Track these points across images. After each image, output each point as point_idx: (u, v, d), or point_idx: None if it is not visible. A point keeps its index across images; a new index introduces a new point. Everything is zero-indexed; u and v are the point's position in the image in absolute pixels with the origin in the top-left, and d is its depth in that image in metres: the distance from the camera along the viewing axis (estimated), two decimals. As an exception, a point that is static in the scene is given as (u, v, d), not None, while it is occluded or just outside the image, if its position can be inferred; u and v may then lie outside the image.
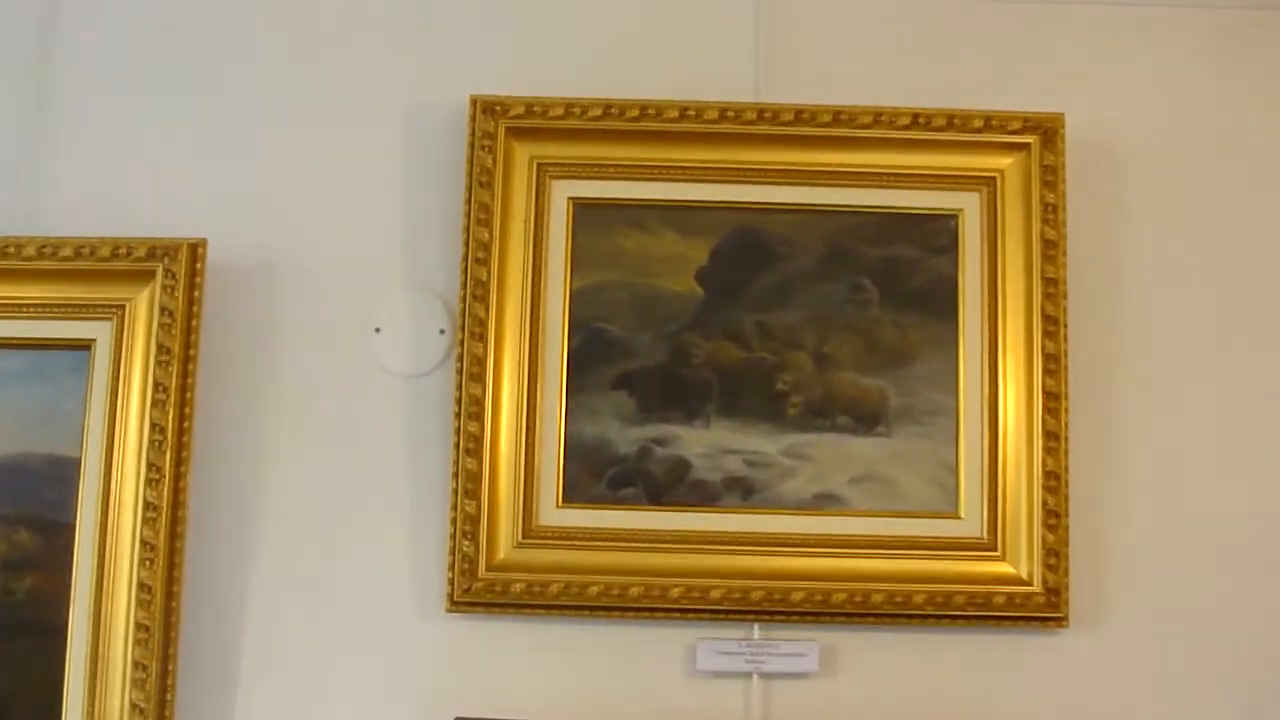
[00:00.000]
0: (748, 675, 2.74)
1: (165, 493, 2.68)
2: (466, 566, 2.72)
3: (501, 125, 2.82)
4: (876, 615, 2.73)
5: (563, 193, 2.83)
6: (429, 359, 2.83)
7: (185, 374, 2.73)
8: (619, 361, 2.80)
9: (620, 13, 2.92)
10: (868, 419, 2.79)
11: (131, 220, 2.82)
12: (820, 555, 2.75)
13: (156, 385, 2.71)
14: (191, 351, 2.74)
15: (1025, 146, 2.82)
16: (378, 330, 2.84)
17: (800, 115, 2.83)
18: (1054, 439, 2.75)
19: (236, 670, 2.74)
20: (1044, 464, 2.75)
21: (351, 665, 2.75)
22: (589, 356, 2.80)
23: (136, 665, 2.64)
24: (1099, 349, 2.83)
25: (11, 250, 2.76)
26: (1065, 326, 2.78)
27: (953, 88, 2.87)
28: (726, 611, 2.73)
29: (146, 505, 2.68)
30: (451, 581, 2.72)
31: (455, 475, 2.74)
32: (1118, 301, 2.85)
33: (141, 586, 2.66)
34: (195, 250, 2.76)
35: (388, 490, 2.79)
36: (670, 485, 2.77)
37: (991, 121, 2.83)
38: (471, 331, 2.77)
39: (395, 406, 2.82)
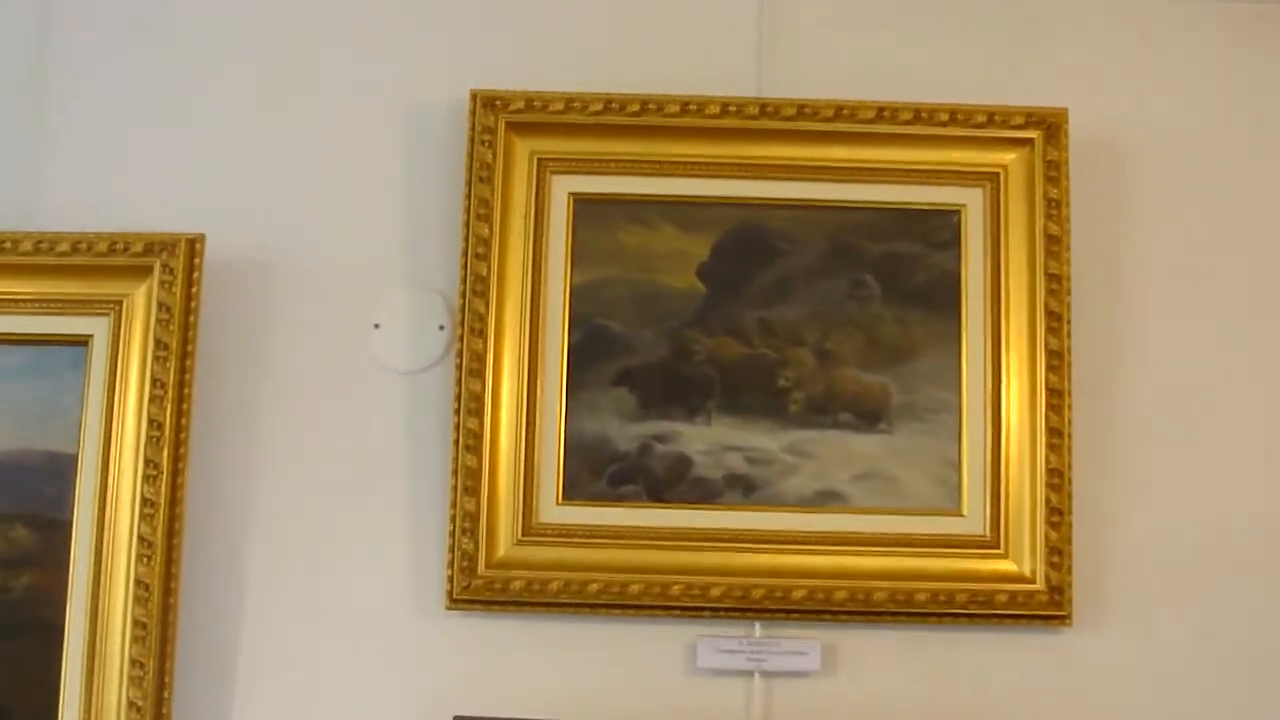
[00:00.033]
0: (749, 673, 2.73)
1: (163, 489, 2.67)
2: (466, 564, 2.71)
3: (501, 120, 2.80)
4: (878, 613, 2.72)
5: (563, 188, 2.82)
6: (428, 355, 2.82)
7: (183, 370, 2.71)
8: (620, 358, 2.79)
9: (621, 6, 2.92)
10: (870, 416, 2.78)
11: (129, 217, 2.81)
12: (822, 553, 2.74)
13: (154, 381, 2.70)
14: (189, 347, 2.73)
15: (1029, 142, 2.81)
16: (377, 326, 2.83)
17: (802, 110, 2.82)
18: (1057, 436, 2.74)
19: (234, 667, 2.74)
20: (1047, 461, 2.74)
21: (350, 663, 2.75)
22: (589, 352, 2.79)
23: (134, 663, 2.63)
24: (1103, 345, 2.82)
25: (8, 245, 2.75)
26: (1069, 323, 2.77)
27: (956, 82, 2.86)
28: (727, 609, 2.72)
29: (144, 502, 2.67)
30: (451, 579, 2.71)
31: (454, 472, 2.73)
32: (1121, 298, 2.85)
33: (139, 583, 2.65)
34: (193, 245, 2.75)
35: (386, 487, 2.79)
36: (671, 482, 2.76)
37: (995, 117, 2.82)
38: (471, 327, 2.76)
39: (394, 403, 2.81)
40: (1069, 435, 2.74)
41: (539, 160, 2.82)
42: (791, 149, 2.82)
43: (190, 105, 2.89)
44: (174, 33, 2.92)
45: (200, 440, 2.75)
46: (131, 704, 2.63)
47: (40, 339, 2.74)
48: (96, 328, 2.74)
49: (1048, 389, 2.75)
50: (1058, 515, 2.72)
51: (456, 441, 2.73)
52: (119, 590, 2.65)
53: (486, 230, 2.78)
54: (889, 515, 2.76)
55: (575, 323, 2.79)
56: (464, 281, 2.77)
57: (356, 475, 2.79)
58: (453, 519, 2.72)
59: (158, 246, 2.75)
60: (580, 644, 2.74)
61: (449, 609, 2.72)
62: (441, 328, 2.82)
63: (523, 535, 2.74)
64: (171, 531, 2.67)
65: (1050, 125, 2.81)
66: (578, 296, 2.80)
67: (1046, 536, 2.72)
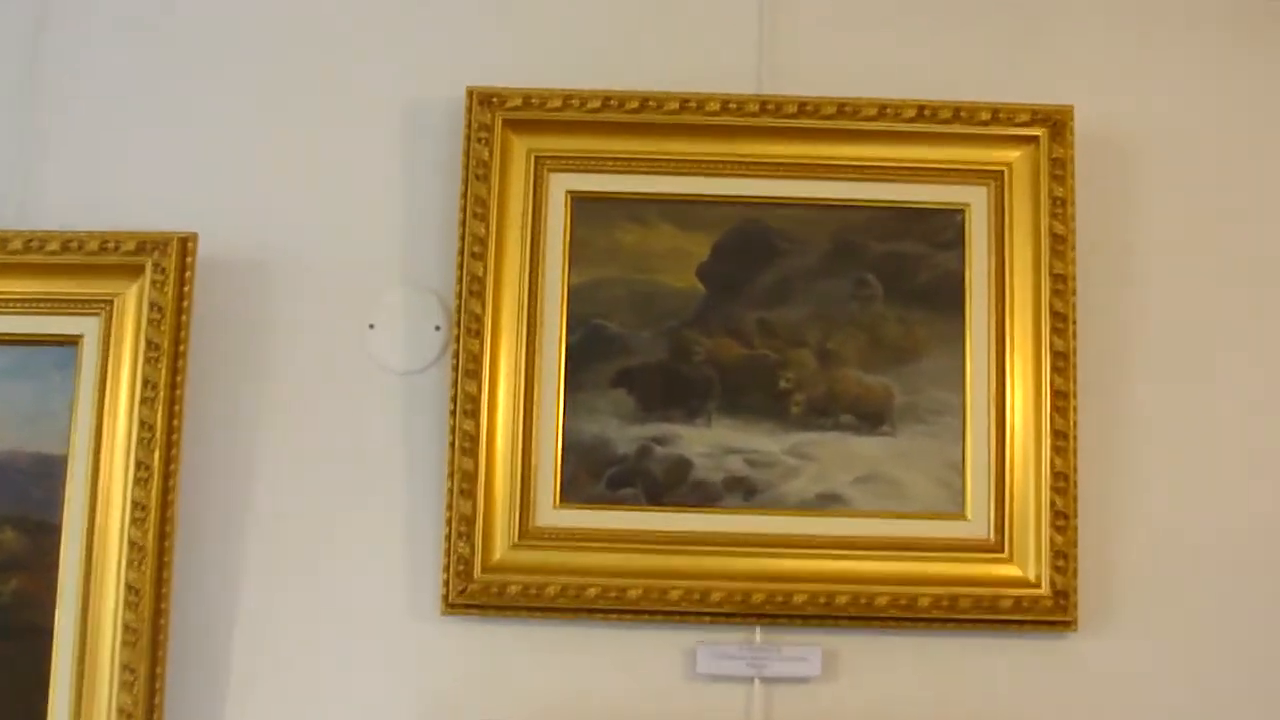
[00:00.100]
0: (749, 679, 2.72)
1: (154, 492, 2.65)
2: (462, 568, 2.69)
3: (498, 117, 2.79)
4: (880, 618, 2.71)
5: (561, 186, 2.81)
6: (424, 356, 2.81)
7: (175, 371, 2.70)
8: (618, 359, 2.77)
9: (620, 2, 2.90)
10: (872, 418, 2.77)
11: (123, 216, 2.80)
12: (823, 557, 2.72)
13: (145, 382, 2.68)
14: (181, 348, 2.71)
15: (1034, 139, 2.80)
16: (372, 327, 2.82)
17: (803, 108, 2.80)
18: (1062, 438, 2.72)
19: (226, 673, 2.72)
20: (1052, 464, 2.72)
21: (345, 668, 2.73)
22: (588, 353, 2.77)
23: (124, 668, 2.61)
24: (1108, 346, 2.81)
25: (-2, 244, 2.75)
26: (1074, 323, 2.75)
27: (959, 79, 2.84)
28: (727, 614, 2.71)
29: (135, 505, 2.65)
30: (447, 583, 2.70)
31: (451, 474, 2.71)
32: (1128, 298, 2.83)
33: (130, 588, 2.63)
34: (185, 244, 2.74)
35: (382, 490, 2.77)
36: (670, 485, 2.75)
37: (999, 114, 2.80)
38: (467, 328, 2.74)
39: (390, 404, 2.80)
40: (1074, 437, 2.73)
41: (536, 158, 2.80)
42: (792, 147, 2.81)
43: (184, 103, 2.88)
44: (168, 31, 2.91)
45: (192, 442, 2.73)
46: (122, 710, 2.61)
47: (30, 339, 2.72)
48: (87, 328, 2.72)
49: (1052, 390, 2.74)
50: (1063, 519, 2.71)
51: (453, 444, 2.72)
52: (109, 594, 2.63)
53: (483, 229, 2.77)
54: (891, 519, 2.74)
55: (573, 323, 2.78)
56: (460, 281, 2.76)
57: (351, 478, 2.78)
58: (449, 522, 2.71)
59: (149, 245, 2.73)
60: (578, 649, 2.73)
61: (445, 613, 2.71)
62: (438, 328, 2.81)
63: (520, 539, 2.72)
64: (163, 535, 2.65)
65: (1055, 123, 2.80)
66: (576, 296, 2.78)
67: (1051, 540, 2.70)
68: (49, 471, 2.68)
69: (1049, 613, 2.70)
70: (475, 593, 2.69)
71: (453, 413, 2.72)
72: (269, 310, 2.81)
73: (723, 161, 2.81)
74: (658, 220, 2.81)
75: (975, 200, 2.81)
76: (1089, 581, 2.72)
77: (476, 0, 2.90)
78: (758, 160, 2.80)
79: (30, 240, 2.74)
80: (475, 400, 2.72)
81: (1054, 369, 2.74)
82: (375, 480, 2.77)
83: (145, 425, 2.67)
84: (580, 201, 2.80)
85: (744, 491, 2.74)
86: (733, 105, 2.80)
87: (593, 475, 2.74)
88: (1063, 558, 2.70)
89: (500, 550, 2.71)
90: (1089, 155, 2.81)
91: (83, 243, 2.74)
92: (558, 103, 2.80)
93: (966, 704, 2.72)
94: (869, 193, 2.81)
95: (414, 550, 2.75)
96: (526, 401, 2.74)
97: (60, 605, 2.64)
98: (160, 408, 2.67)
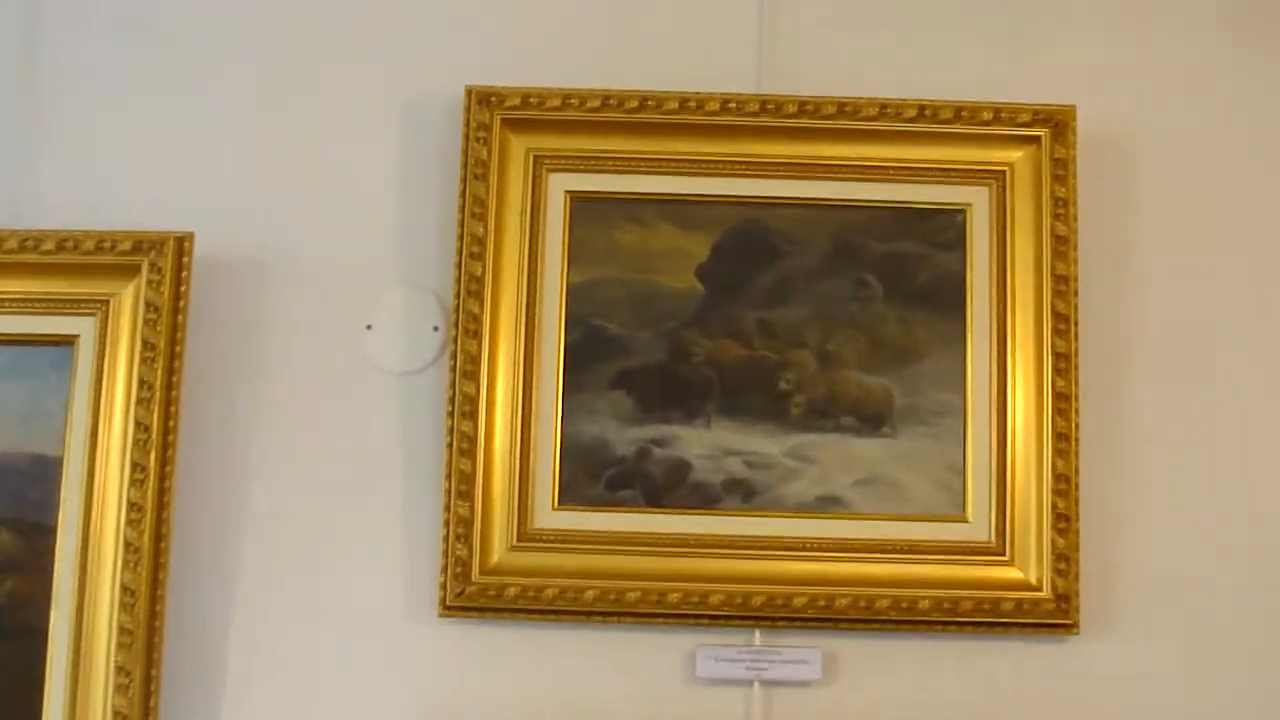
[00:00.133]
0: (748, 683, 2.70)
1: (150, 493, 2.64)
2: (459, 570, 2.68)
3: (497, 116, 2.78)
4: (881, 621, 2.70)
5: (560, 186, 2.80)
6: (422, 356, 2.80)
7: (171, 371, 2.68)
8: (617, 360, 2.76)
9: (619, 1, 2.89)
10: (872, 419, 2.75)
11: (118, 215, 2.78)
12: (823, 559, 2.71)
13: (141, 383, 2.67)
14: (178, 348, 2.69)
15: (1036, 139, 2.78)
16: (369, 327, 2.81)
17: (804, 107, 2.79)
18: (1064, 440, 2.71)
19: (222, 676, 2.71)
20: (1054, 466, 2.71)
21: (341, 671, 2.72)
22: (586, 354, 2.76)
23: (119, 670, 2.60)
24: (1111, 348, 2.79)
25: (-7, 243, 2.74)
26: (1076, 324, 2.74)
27: (961, 79, 2.83)
28: (727, 617, 2.69)
29: (130, 506, 2.64)
30: (444, 586, 2.68)
31: (448, 476, 2.70)
32: (1130, 299, 2.82)
33: (125, 589, 2.62)
34: (182, 244, 2.73)
35: (379, 491, 2.76)
36: (670, 487, 2.74)
37: (1001, 114, 2.79)
38: (466, 328, 2.73)
39: (387, 405, 2.78)
40: (1076, 439, 2.71)
41: (535, 158, 2.79)
42: (793, 147, 2.79)
43: (181, 102, 2.87)
44: (166, 29, 2.89)
45: (188, 443, 2.72)
46: (117, 713, 2.59)
47: (24, 339, 2.71)
48: (82, 327, 2.71)
49: (1054, 392, 2.73)
50: (1064, 521, 2.70)
51: (450, 445, 2.70)
52: (104, 596, 2.62)
53: (482, 229, 2.75)
54: (892, 521, 2.73)
55: (572, 324, 2.77)
56: (458, 281, 2.74)
57: (348, 479, 2.76)
58: (446, 524, 2.69)
59: (146, 245, 2.72)
60: (576, 652, 2.71)
61: (442, 616, 2.69)
62: (435, 328, 2.80)
63: (518, 541, 2.71)
64: (158, 536, 2.64)
65: (1058, 123, 2.78)
66: (574, 297, 2.77)
67: (1053, 543, 2.69)
68: (44, 472, 2.67)
69: (1050, 616, 2.68)
70: (473, 595, 2.68)
71: (450, 414, 2.71)
72: (266, 310, 2.80)
73: (722, 161, 2.79)
74: (657, 220, 2.80)
75: (977, 200, 2.79)
76: (1091, 585, 2.71)
77: (476, -1, 2.91)
78: (758, 160, 2.79)
79: (26, 239, 2.72)
80: (473, 401, 2.71)
81: (1056, 370, 2.73)
82: (373, 482, 2.76)
83: (141, 426, 2.66)
84: (579, 201, 2.79)
85: (744, 493, 2.73)
86: (733, 105, 2.79)
87: (591, 477, 2.73)
88: (1064, 560, 2.68)
89: (498, 552, 2.70)
90: (1092, 155, 2.80)
91: (79, 242, 2.72)
92: (557, 102, 2.78)
93: (967, 708, 2.70)
94: (869, 193, 2.80)
95: (411, 552, 2.73)
96: (525, 403, 2.73)
97: (55, 607, 2.63)
98: (156, 408, 2.66)
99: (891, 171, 2.79)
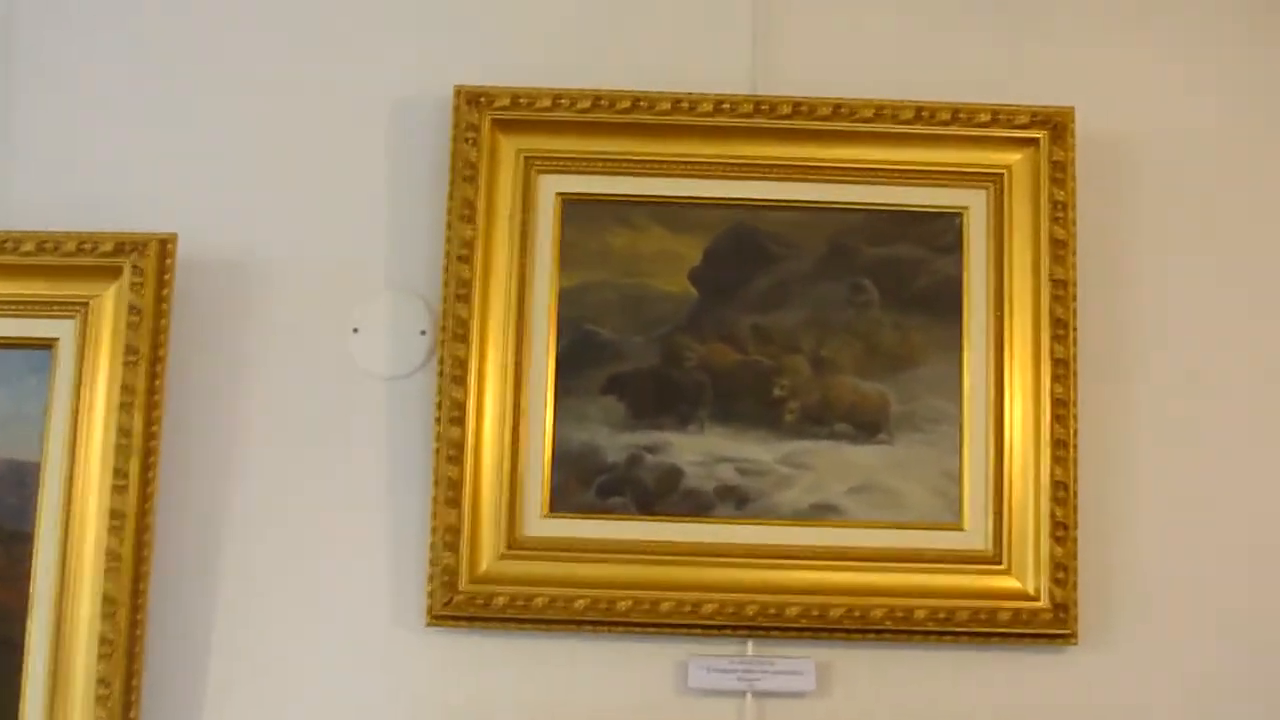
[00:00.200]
0: (741, 694, 2.69)
1: (131, 501, 2.62)
2: (447, 579, 2.66)
3: (487, 117, 2.76)
4: (876, 631, 2.68)
5: (550, 188, 2.78)
6: (409, 361, 2.78)
7: (153, 375, 2.67)
8: (608, 364, 2.75)
9: (611, 0, 2.88)
10: (868, 426, 2.74)
11: (100, 216, 2.77)
12: (817, 568, 2.70)
13: (123, 387, 2.65)
14: (160, 352, 2.68)
15: (1034, 142, 2.78)
16: (356, 331, 2.79)
17: (799, 108, 2.78)
18: (1062, 447, 2.70)
19: (204, 687, 2.69)
20: (1052, 474, 2.70)
21: (327, 681, 2.70)
22: (577, 359, 2.75)
23: (99, 681, 2.58)
24: (1109, 354, 2.78)
25: (-29, 245, 2.72)
26: (1074, 330, 2.73)
27: (958, 80, 2.82)
28: (719, 627, 2.68)
29: (111, 514, 2.62)
30: (432, 594, 2.67)
31: (436, 483, 2.69)
32: (1129, 304, 2.81)
33: (105, 599, 2.59)
34: (164, 246, 2.71)
35: (365, 498, 2.74)
36: (661, 494, 2.72)
37: (998, 116, 2.78)
38: (454, 332, 2.71)
39: (374, 410, 2.77)
40: (1074, 446, 2.71)
41: (525, 159, 2.78)
42: (787, 148, 2.79)
43: (164, 100, 2.85)
44: (147, 28, 2.88)
45: (171, 449, 2.70)
46: (97, 724, 2.58)
47: (3, 342, 2.69)
48: (62, 331, 2.69)
49: (1052, 398, 2.72)
50: (1062, 529, 2.69)
51: (438, 451, 2.69)
52: (84, 606, 2.60)
53: (470, 231, 2.74)
54: (887, 529, 2.72)
55: (562, 328, 2.75)
56: (446, 285, 2.73)
57: (334, 486, 2.75)
58: (434, 531, 2.68)
59: (128, 246, 2.70)
60: (566, 662, 2.70)
61: (430, 625, 2.68)
62: (423, 332, 2.78)
63: (507, 549, 2.69)
64: (140, 544, 2.62)
65: (1056, 125, 2.78)
66: (565, 300, 2.75)
67: (1051, 552, 2.68)
68: (22, 479, 2.65)
69: (1048, 626, 2.67)
70: (461, 604, 2.66)
71: (438, 419, 2.70)
72: (250, 313, 2.78)
73: (716, 163, 2.78)
74: (649, 223, 2.78)
75: (974, 203, 2.79)
76: (1089, 594, 2.70)
77: (464, -2, 2.90)
78: (752, 162, 2.78)
79: (4, 241, 2.71)
80: (462, 407, 2.69)
81: (1054, 376, 2.72)
82: (359, 488, 2.74)
83: (123, 431, 2.64)
84: (570, 203, 2.78)
85: (736, 501, 2.72)
86: (726, 106, 2.78)
87: (582, 484, 2.72)
88: (1062, 570, 2.68)
89: (487, 561, 2.68)
90: (1090, 158, 2.79)
91: (59, 243, 2.71)
92: (547, 102, 2.77)
93: (963, 719, 2.69)
94: (865, 195, 2.79)
95: (398, 561, 2.72)
96: (514, 408, 2.72)
97: (32, 617, 2.61)
98: (138, 413, 2.64)
99: (888, 174, 2.79)
